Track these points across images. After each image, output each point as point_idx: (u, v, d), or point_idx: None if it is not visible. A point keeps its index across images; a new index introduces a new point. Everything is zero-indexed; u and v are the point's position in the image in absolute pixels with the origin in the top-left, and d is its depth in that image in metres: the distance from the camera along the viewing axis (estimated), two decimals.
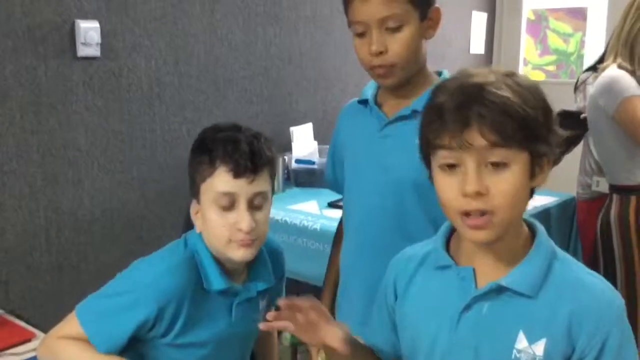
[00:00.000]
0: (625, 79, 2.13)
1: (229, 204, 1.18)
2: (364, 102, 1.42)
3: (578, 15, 4.50)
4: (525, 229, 0.98)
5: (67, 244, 2.21)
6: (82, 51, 2.15)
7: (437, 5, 1.31)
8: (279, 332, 1.71)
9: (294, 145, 2.87)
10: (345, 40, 3.21)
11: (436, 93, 0.94)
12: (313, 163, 2.84)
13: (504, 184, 0.88)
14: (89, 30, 2.15)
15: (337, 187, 1.55)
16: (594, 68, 2.71)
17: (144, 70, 2.37)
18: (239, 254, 1.20)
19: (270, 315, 1.04)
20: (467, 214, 0.90)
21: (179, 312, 1.17)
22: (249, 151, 1.18)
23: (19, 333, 1.64)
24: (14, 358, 1.49)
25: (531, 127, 0.88)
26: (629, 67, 2.15)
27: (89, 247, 2.27)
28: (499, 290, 0.94)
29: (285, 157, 2.81)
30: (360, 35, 1.28)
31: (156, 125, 2.44)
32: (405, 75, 1.30)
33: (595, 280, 0.95)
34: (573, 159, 2.54)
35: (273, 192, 1.27)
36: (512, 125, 0.87)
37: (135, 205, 2.40)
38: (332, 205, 2.42)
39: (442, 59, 4.08)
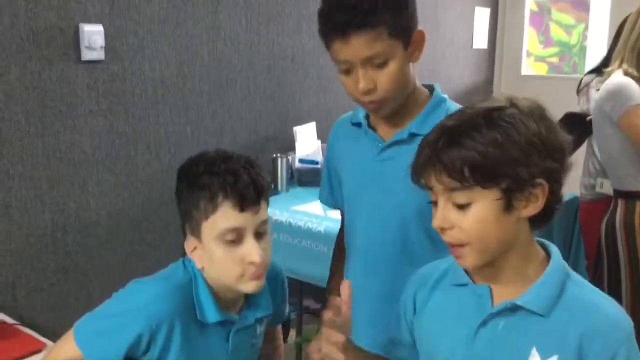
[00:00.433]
0: (632, 86, 2.13)
1: (236, 239, 1.15)
2: (357, 124, 1.40)
3: (581, 6, 4.49)
4: (540, 251, 1.03)
5: (72, 246, 2.22)
6: (87, 55, 2.16)
7: (419, 28, 1.28)
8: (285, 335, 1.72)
9: (297, 144, 2.88)
10: None
11: (435, 127, 1.00)
12: (317, 163, 2.85)
13: (467, 221, 0.95)
14: (93, 34, 2.15)
15: (334, 205, 1.55)
16: (597, 70, 2.71)
17: (148, 73, 2.37)
18: (251, 287, 1.18)
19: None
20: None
21: (171, 337, 1.15)
22: (250, 181, 1.14)
23: (29, 343, 1.66)
24: None
25: (491, 169, 0.92)
26: (635, 73, 2.15)
27: (95, 249, 2.29)
28: (513, 309, 0.98)
29: (289, 157, 2.82)
30: (346, 71, 1.26)
31: (160, 127, 2.45)
32: (397, 104, 1.30)
33: (606, 302, 1.00)
34: (575, 159, 2.55)
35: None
36: (467, 170, 0.92)
37: (140, 206, 2.41)
38: None
39: (444, 56, 4.08)
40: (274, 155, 2.79)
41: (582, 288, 1.01)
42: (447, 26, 4.08)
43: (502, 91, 4.79)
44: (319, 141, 3.00)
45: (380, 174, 1.34)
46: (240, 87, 2.75)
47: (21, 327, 1.76)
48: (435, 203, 0.99)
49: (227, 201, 1.13)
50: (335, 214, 2.40)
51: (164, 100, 2.45)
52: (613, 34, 2.78)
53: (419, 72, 1.36)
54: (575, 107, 2.82)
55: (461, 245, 0.97)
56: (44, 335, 1.71)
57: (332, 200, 1.54)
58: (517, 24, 4.70)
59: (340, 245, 1.55)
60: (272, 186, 2.75)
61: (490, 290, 1.02)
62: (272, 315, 1.37)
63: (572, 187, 2.74)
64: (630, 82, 2.14)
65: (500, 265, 1.00)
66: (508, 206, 0.94)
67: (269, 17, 2.84)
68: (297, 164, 2.87)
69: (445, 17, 4.05)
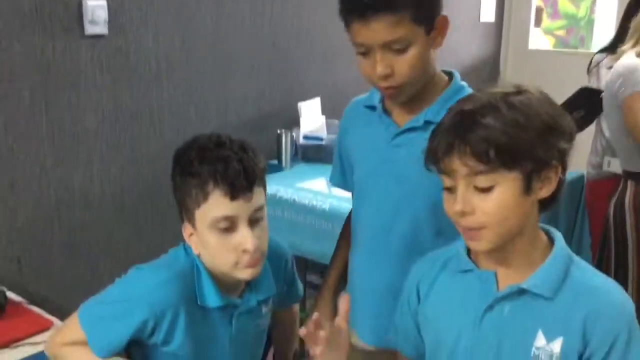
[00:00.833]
0: None
1: (229, 226, 1.14)
2: (371, 107, 1.36)
3: None
4: (543, 236, 1.05)
5: (78, 222, 2.23)
6: (90, 29, 2.13)
7: (443, 14, 1.23)
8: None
9: (302, 120, 2.86)
10: None
11: (446, 113, 1.01)
12: (321, 139, 2.83)
13: (489, 204, 0.96)
14: (96, 8, 2.13)
15: (346, 187, 1.50)
16: (608, 49, 2.68)
17: (152, 48, 2.35)
18: (247, 274, 1.18)
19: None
20: (462, 228, 1.00)
21: (176, 322, 1.16)
22: (241, 169, 1.12)
23: (37, 322, 1.66)
24: (32, 348, 1.51)
25: (516, 150, 0.94)
26: None
27: (100, 225, 2.29)
28: (519, 292, 1.01)
29: (293, 133, 2.80)
30: (364, 54, 1.22)
31: (164, 103, 2.43)
32: (415, 90, 1.25)
33: (609, 285, 1.02)
34: (583, 138, 2.53)
35: (265, 195, 1.22)
36: (493, 152, 0.93)
37: (144, 183, 2.41)
38: None
39: (451, 30, 4.03)
40: (279, 131, 2.78)
41: (586, 272, 1.03)
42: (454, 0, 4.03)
43: (509, 66, 4.74)
44: (324, 117, 2.98)
45: (392, 160, 1.30)
46: (244, 62, 2.73)
47: (27, 305, 1.77)
48: (450, 189, 0.99)
49: (217, 189, 1.12)
50: (340, 191, 2.40)
51: (168, 75, 2.43)
52: (622, 7, 2.73)
53: None
54: (584, 83, 2.79)
55: (478, 229, 0.97)
56: (50, 312, 1.72)
57: (343, 182, 1.50)
58: None
59: (345, 233, 1.52)
60: (277, 162, 2.74)
61: (496, 275, 1.03)
62: (283, 295, 1.37)
63: (579, 165, 2.73)
64: None
65: (508, 248, 1.01)
66: (527, 188, 0.96)
67: None
68: (301, 140, 2.86)
69: None
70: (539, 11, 4.67)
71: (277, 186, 2.43)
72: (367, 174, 1.37)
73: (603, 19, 4.30)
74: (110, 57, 2.23)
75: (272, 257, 1.28)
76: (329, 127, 2.95)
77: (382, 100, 1.34)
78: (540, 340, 0.99)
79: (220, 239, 1.15)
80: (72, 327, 1.21)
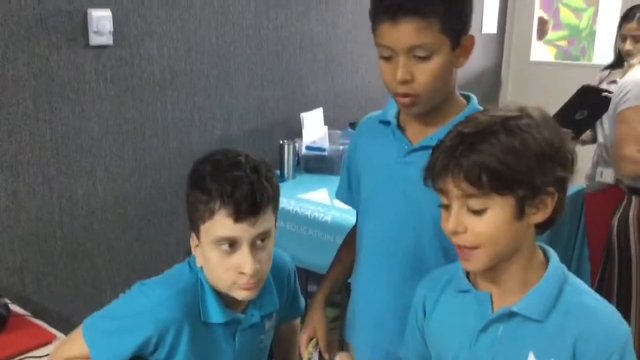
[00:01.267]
0: None
1: (231, 247, 1.14)
2: (385, 122, 1.35)
3: None
4: (540, 255, 1.05)
5: (80, 231, 2.23)
6: (95, 40, 2.14)
7: (471, 33, 1.22)
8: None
9: (304, 131, 2.87)
10: (357, 24, 3.19)
11: (449, 132, 1.02)
12: (323, 150, 2.84)
13: (481, 225, 0.97)
14: (101, 19, 2.14)
15: (352, 203, 1.49)
16: (612, 66, 2.70)
17: (156, 58, 2.36)
18: (242, 296, 1.18)
19: None
20: (457, 246, 1.02)
21: (179, 338, 1.16)
22: (249, 192, 1.11)
23: (40, 335, 1.66)
24: None
25: (508, 176, 0.94)
26: None
27: (102, 234, 2.30)
28: (510, 315, 1.02)
29: (296, 144, 2.81)
30: (387, 58, 1.20)
31: (168, 113, 2.44)
32: (431, 105, 1.24)
33: (602, 307, 1.02)
34: (582, 150, 2.53)
35: (276, 220, 1.21)
36: (485, 177, 0.94)
37: (147, 192, 2.42)
38: None
39: None
40: (281, 141, 2.79)
41: (580, 293, 1.03)
42: None
43: (510, 77, 4.75)
44: (326, 127, 2.99)
45: (401, 177, 1.29)
46: (247, 72, 2.74)
47: (30, 318, 1.76)
48: (446, 207, 1.01)
49: (223, 209, 1.11)
50: (342, 203, 2.41)
51: (172, 85, 2.44)
52: None
53: None
54: None
55: (471, 249, 0.99)
56: (52, 324, 1.71)
57: (349, 198, 1.49)
58: (528, 8, 4.65)
59: (347, 243, 1.52)
60: (279, 172, 2.74)
61: (491, 296, 1.05)
62: (285, 310, 1.37)
63: (580, 179, 2.74)
64: None
65: (502, 270, 1.02)
66: (520, 213, 0.97)
67: (277, 2, 2.81)
68: (303, 151, 2.86)
69: None
70: (542, 23, 4.69)
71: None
72: (374, 189, 1.36)
73: (604, 30, 4.31)
74: (114, 68, 2.24)
75: (276, 271, 1.28)
76: (331, 137, 2.96)
77: (397, 116, 1.34)
78: None
79: (220, 257, 1.15)
80: (76, 342, 1.21)
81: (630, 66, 2.24)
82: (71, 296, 2.20)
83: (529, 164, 0.94)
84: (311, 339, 1.42)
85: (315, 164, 2.85)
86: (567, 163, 0.98)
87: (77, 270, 2.24)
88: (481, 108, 1.30)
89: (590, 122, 2.55)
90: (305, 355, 1.40)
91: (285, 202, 2.41)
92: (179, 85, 2.46)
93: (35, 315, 1.80)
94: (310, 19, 2.99)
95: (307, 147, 2.86)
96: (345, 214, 2.16)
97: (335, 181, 1.55)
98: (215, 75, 2.60)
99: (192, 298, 1.19)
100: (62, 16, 2.07)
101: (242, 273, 1.14)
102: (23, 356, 1.55)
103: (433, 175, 1.00)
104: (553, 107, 2.35)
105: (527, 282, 1.02)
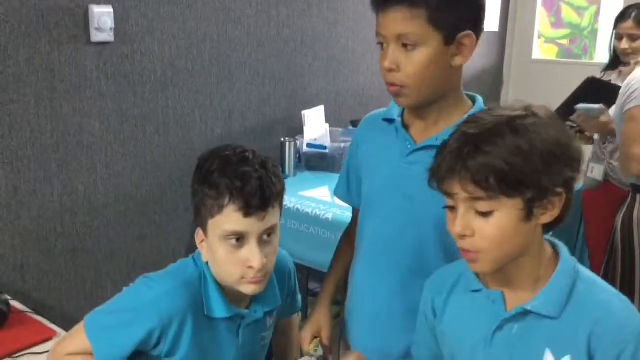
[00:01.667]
0: None
1: (239, 241, 1.15)
2: (389, 120, 1.34)
3: None
4: (549, 250, 1.04)
5: (81, 228, 2.23)
6: (96, 36, 2.14)
7: (470, 31, 1.21)
8: None
9: (305, 129, 2.87)
10: (358, 22, 3.18)
11: (453, 133, 1.00)
12: (325, 147, 2.84)
13: (488, 228, 0.96)
14: (102, 15, 2.13)
15: (350, 201, 1.49)
16: (611, 66, 2.71)
17: (158, 55, 2.36)
18: (250, 290, 1.19)
19: None
20: (462, 249, 1.00)
21: (182, 332, 1.17)
22: (258, 187, 1.13)
23: (40, 331, 1.66)
24: (35, 358, 1.50)
25: (516, 178, 0.93)
26: None
27: (103, 231, 2.30)
28: (525, 313, 1.01)
29: (297, 141, 2.81)
30: (382, 46, 1.23)
31: (169, 110, 2.44)
32: (422, 99, 1.24)
33: (616, 301, 1.01)
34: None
35: (281, 216, 1.22)
36: (493, 179, 0.92)
37: (148, 189, 2.42)
38: None
39: None
40: (282, 139, 2.78)
41: (592, 286, 1.02)
42: None
43: (512, 75, 4.75)
44: (327, 125, 2.98)
45: (404, 176, 1.28)
46: (249, 69, 2.73)
47: (31, 314, 1.76)
48: (451, 208, 0.99)
49: (232, 204, 1.13)
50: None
51: (173, 82, 2.44)
52: None
53: None
54: None
55: (477, 252, 0.98)
56: (53, 321, 1.71)
57: (347, 196, 1.49)
58: (529, 6, 4.64)
59: (346, 240, 1.52)
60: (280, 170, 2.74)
61: (503, 295, 1.04)
62: (285, 307, 1.38)
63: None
64: None
65: (512, 270, 1.01)
66: (528, 215, 0.95)
67: None
68: (305, 148, 2.86)
69: None
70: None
71: None
72: (377, 188, 1.35)
73: (606, 28, 4.29)
74: (116, 64, 2.23)
75: (278, 269, 1.29)
76: (332, 135, 2.96)
77: (401, 115, 1.33)
78: (549, 359, 1.00)
79: (228, 251, 1.16)
80: (77, 337, 1.20)
81: (637, 64, 2.23)
82: (72, 293, 2.20)
83: (537, 164, 0.93)
84: (314, 337, 1.42)
85: (316, 162, 2.85)
86: (574, 162, 0.97)
87: (78, 267, 2.23)
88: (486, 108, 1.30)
89: None
90: (309, 350, 1.40)
91: (287, 199, 2.38)
92: (180, 82, 2.46)
93: (36, 312, 1.80)
94: (312, 17, 2.99)
95: (309, 145, 2.86)
96: (346, 212, 2.14)
97: (336, 179, 1.54)
98: (216, 72, 2.60)
99: (196, 292, 1.19)
100: (64, 12, 2.06)
101: (250, 267, 1.15)
102: (24, 352, 1.55)
103: (439, 177, 0.98)
104: (555, 105, 2.35)
105: (539, 279, 1.01)
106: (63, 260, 2.19)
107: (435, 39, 1.18)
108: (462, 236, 0.98)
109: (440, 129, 1.26)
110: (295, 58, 2.95)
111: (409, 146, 1.29)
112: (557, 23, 4.66)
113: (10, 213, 2.04)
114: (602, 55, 4.20)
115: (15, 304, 1.79)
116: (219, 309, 1.20)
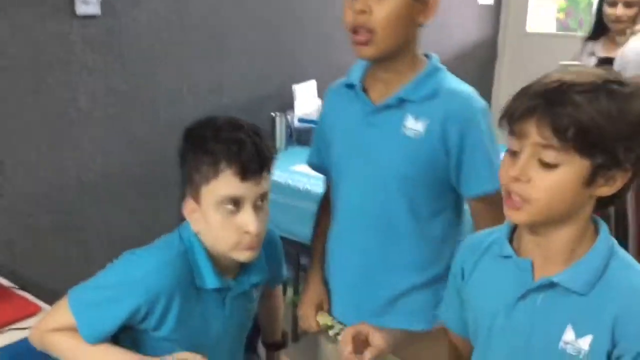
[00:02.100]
0: None
1: (235, 207, 1.16)
2: (350, 85, 1.37)
3: None
4: (591, 226, 1.01)
5: (70, 205, 2.21)
6: (81, 9, 2.10)
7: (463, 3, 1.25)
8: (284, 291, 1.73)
9: (296, 103, 2.84)
10: None
11: (541, 77, 0.96)
12: (316, 122, 2.80)
13: (546, 180, 0.92)
14: None
15: (321, 171, 1.52)
16: (593, 37, 2.67)
17: (145, 27, 2.32)
18: (245, 256, 1.19)
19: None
20: (509, 194, 0.96)
21: (169, 307, 1.16)
22: (255, 152, 1.14)
23: (24, 307, 1.64)
24: (19, 333, 1.49)
25: (596, 139, 0.89)
26: None
27: (93, 207, 2.28)
28: (551, 285, 0.99)
29: (288, 116, 2.78)
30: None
31: (157, 84, 2.40)
32: (387, 51, 1.26)
33: None
34: None
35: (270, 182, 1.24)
36: (572, 132, 0.89)
37: (138, 164, 2.39)
38: None
39: (448, 10, 3.98)
40: (273, 114, 2.76)
41: (627, 269, 0.98)
42: None
43: (507, 48, 4.70)
44: (319, 100, 2.95)
45: (365, 140, 1.32)
46: (239, 43, 2.69)
47: (16, 290, 1.75)
48: (513, 153, 0.95)
49: (229, 169, 1.14)
50: None
51: (162, 56, 2.40)
52: None
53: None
54: None
55: (525, 200, 0.94)
56: (40, 297, 1.70)
57: (319, 164, 1.52)
58: None
59: (322, 210, 1.54)
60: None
61: (532, 264, 1.01)
62: (270, 278, 1.38)
63: None
64: None
65: (551, 235, 0.98)
66: (590, 180, 0.92)
67: None
68: (296, 123, 2.84)
69: None
70: None
71: None
72: (342, 153, 1.38)
73: None
74: (102, 38, 2.19)
75: (265, 242, 1.28)
76: None
77: (362, 80, 1.35)
78: (569, 335, 0.97)
79: (224, 218, 1.16)
80: (61, 313, 1.19)
81: (632, 33, 2.19)
82: (62, 269, 2.19)
83: (620, 133, 0.90)
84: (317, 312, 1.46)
85: (307, 137, 2.81)
86: None
87: (68, 244, 2.22)
88: (442, 66, 1.34)
89: None
90: (326, 322, 1.43)
91: (278, 174, 2.38)
92: (169, 56, 2.42)
93: (25, 289, 1.78)
94: None
95: (300, 120, 2.83)
96: None
97: None
98: (206, 46, 2.56)
99: (183, 266, 1.19)
100: None
101: (246, 232, 1.16)
102: (6, 328, 1.54)
103: (514, 114, 0.93)
104: None
105: (574, 253, 0.98)
106: (52, 236, 2.17)
107: None
108: (517, 180, 0.93)
109: (397, 88, 1.30)
110: (286, 33, 2.91)
111: (368, 108, 1.32)
112: None
113: None
114: None
115: (1, 280, 1.78)
116: (210, 280, 1.20)
